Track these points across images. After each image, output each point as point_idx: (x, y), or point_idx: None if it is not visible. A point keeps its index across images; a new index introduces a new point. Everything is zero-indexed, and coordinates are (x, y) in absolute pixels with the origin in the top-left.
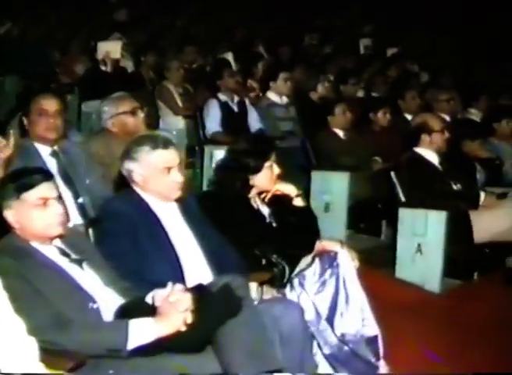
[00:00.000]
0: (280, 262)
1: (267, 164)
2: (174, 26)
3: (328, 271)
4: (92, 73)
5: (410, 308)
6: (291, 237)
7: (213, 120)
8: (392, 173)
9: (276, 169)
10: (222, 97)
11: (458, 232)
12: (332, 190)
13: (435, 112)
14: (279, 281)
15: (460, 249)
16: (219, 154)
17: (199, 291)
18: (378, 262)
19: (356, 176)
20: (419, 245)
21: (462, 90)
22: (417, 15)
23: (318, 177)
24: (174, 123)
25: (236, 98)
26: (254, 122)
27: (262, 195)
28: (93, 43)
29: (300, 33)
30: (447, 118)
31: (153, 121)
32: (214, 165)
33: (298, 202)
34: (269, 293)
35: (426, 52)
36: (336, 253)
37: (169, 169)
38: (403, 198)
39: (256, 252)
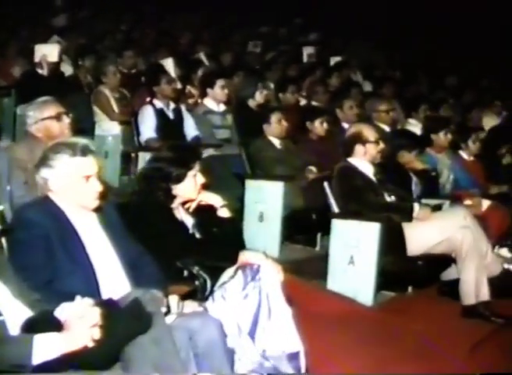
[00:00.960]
0: (202, 274)
1: (191, 173)
2: (116, 31)
3: (251, 284)
4: (28, 76)
5: (341, 322)
6: (214, 248)
7: (148, 127)
8: (326, 184)
9: (201, 179)
10: (158, 103)
11: (391, 244)
12: (267, 199)
13: (373, 122)
14: (200, 294)
15: (394, 261)
16: None
17: (108, 306)
18: (312, 273)
19: (290, 186)
20: (352, 257)
21: (403, 100)
22: (359, 27)
23: (252, 186)
24: (110, 129)
25: (172, 105)
26: (191, 129)
27: (186, 205)
28: (32, 46)
29: (245, 40)
30: (387, 128)
31: (87, 126)
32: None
33: (223, 213)
34: (191, 306)
35: (369, 62)
36: (259, 266)
37: (88, 177)
38: (336, 209)
39: (178, 264)
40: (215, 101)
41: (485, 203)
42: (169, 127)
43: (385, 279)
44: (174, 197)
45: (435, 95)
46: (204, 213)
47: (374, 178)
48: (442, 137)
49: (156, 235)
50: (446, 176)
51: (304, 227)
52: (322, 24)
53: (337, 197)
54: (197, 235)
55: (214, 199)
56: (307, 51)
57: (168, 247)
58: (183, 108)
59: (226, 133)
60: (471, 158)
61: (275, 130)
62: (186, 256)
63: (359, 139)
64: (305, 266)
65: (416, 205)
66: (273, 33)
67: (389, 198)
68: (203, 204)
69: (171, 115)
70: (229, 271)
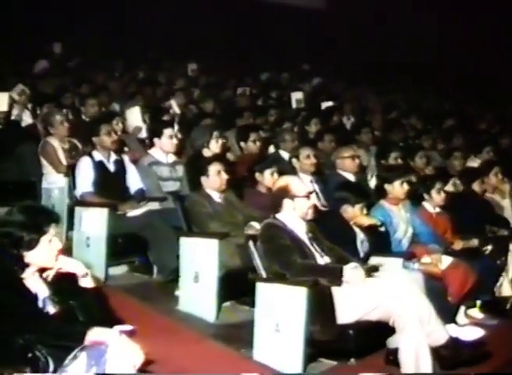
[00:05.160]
0: (44, 354)
1: (45, 238)
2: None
3: (94, 369)
4: None
5: None
6: (61, 324)
7: (84, 180)
8: (251, 243)
9: (58, 244)
10: (97, 155)
11: (320, 311)
12: (201, 258)
13: (337, 169)
14: None
15: (322, 330)
16: (88, 216)
17: None
18: (246, 339)
19: (227, 244)
20: (277, 324)
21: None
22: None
23: (186, 244)
24: (55, 181)
25: (113, 157)
26: (134, 181)
27: (44, 274)
28: None
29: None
30: (351, 177)
31: (35, 178)
32: None
33: (85, 283)
34: None
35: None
36: (107, 346)
37: None
38: (262, 271)
39: (20, 342)
40: (162, 152)
41: (447, 260)
42: (109, 180)
43: (319, 347)
44: (27, 265)
45: (421, 140)
46: (62, 283)
47: (305, 236)
48: (398, 188)
49: None
50: (403, 230)
51: (242, 288)
52: (325, 70)
53: (262, 257)
54: (49, 308)
55: (75, 267)
56: (296, 97)
57: (9, 321)
58: (126, 159)
59: (176, 185)
60: (437, 209)
61: (213, 183)
62: (30, 333)
63: (286, 193)
64: (242, 331)
65: (347, 268)
66: (275, 79)
67: (322, 259)
68: (62, 272)
69: (112, 167)
70: (75, 351)
